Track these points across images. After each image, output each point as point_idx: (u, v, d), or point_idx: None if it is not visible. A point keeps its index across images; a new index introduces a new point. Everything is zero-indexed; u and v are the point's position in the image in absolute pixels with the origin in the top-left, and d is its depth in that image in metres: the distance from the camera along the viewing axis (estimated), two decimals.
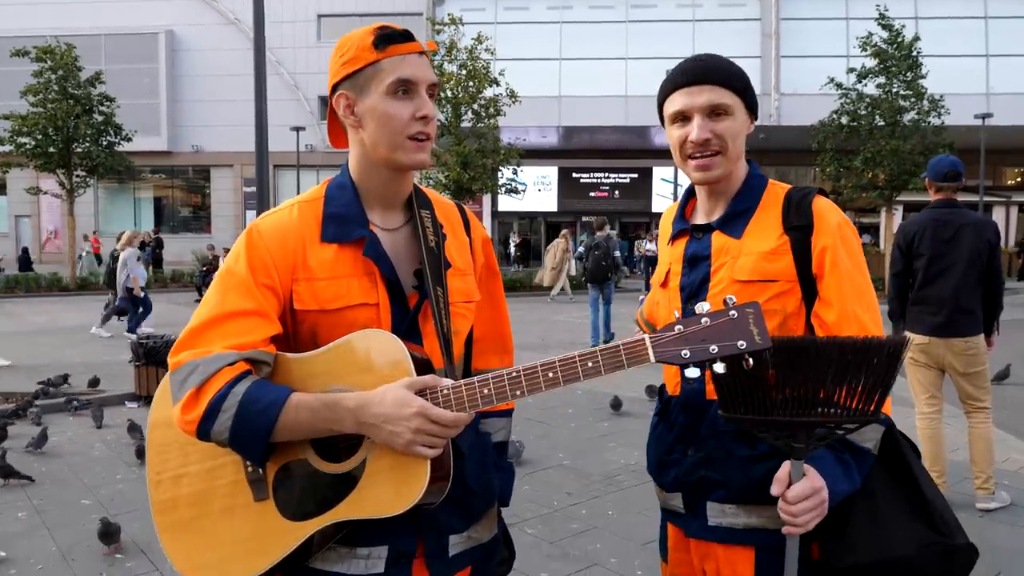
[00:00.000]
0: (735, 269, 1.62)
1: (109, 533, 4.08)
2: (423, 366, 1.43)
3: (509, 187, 24.03)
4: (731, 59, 1.67)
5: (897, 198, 22.23)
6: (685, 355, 1.35)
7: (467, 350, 1.71)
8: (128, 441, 6.27)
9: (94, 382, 8.36)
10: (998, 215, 30.61)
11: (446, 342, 1.51)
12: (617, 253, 12.54)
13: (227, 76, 31.84)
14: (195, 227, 35.85)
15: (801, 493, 1.42)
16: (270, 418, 1.34)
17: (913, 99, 21.37)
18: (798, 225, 1.60)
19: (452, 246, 1.61)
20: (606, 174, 32.72)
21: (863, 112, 21.62)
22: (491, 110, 22.32)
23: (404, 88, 1.47)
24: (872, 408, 1.41)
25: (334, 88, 1.51)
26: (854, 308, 1.56)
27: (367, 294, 1.49)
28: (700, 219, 1.75)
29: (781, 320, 1.59)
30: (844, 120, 21.87)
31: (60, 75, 21.80)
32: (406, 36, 1.49)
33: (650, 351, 1.36)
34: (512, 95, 22.15)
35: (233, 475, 1.46)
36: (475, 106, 22.30)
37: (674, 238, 1.76)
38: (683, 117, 1.64)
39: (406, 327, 1.50)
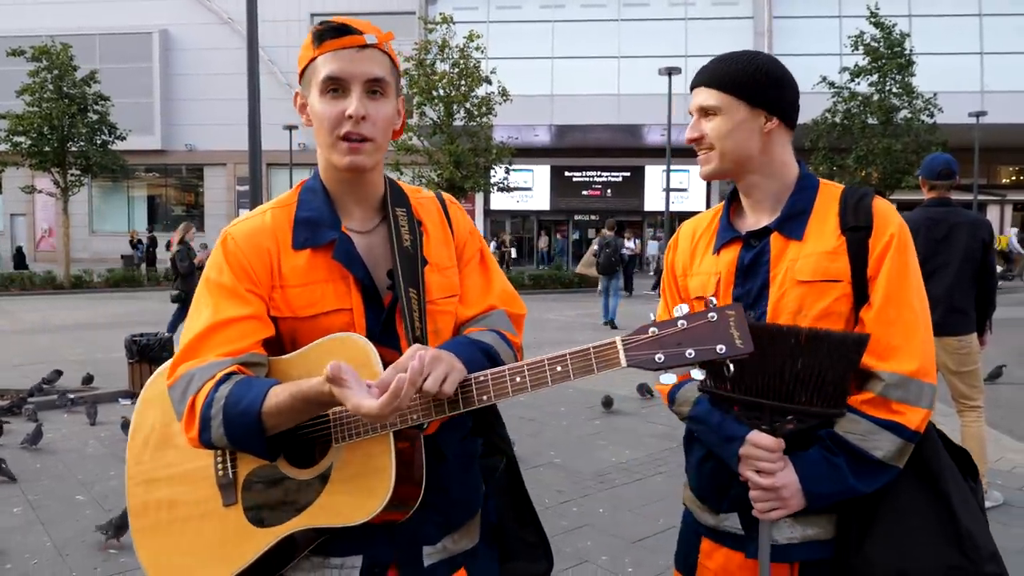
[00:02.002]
0: (796, 270, 1.58)
1: (122, 526, 4.09)
2: None
3: (502, 185, 24.03)
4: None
5: (890, 196, 22.32)
6: (659, 359, 1.26)
7: None
8: (122, 438, 6.31)
9: (88, 379, 8.39)
10: (992, 213, 30.70)
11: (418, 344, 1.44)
12: (625, 250, 13.56)
13: (220, 75, 31.78)
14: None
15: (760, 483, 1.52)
16: (253, 414, 1.30)
17: (906, 97, 21.42)
18: (856, 226, 1.59)
19: (432, 242, 1.57)
20: (598, 172, 32.74)
21: (855, 111, 21.67)
22: (483, 109, 22.34)
23: (334, 87, 1.42)
24: (833, 402, 1.46)
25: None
26: (889, 311, 1.54)
27: (341, 299, 1.45)
28: (749, 227, 1.70)
29: (843, 325, 1.58)
30: (837, 119, 21.92)
31: (56, 75, 21.84)
32: (340, 30, 1.42)
33: (621, 355, 1.28)
34: (504, 94, 22.16)
35: (204, 480, 1.45)
36: (467, 105, 22.31)
37: (721, 247, 1.71)
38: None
39: (380, 329, 1.46)
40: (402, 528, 1.46)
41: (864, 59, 21.95)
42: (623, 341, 1.29)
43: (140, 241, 30.00)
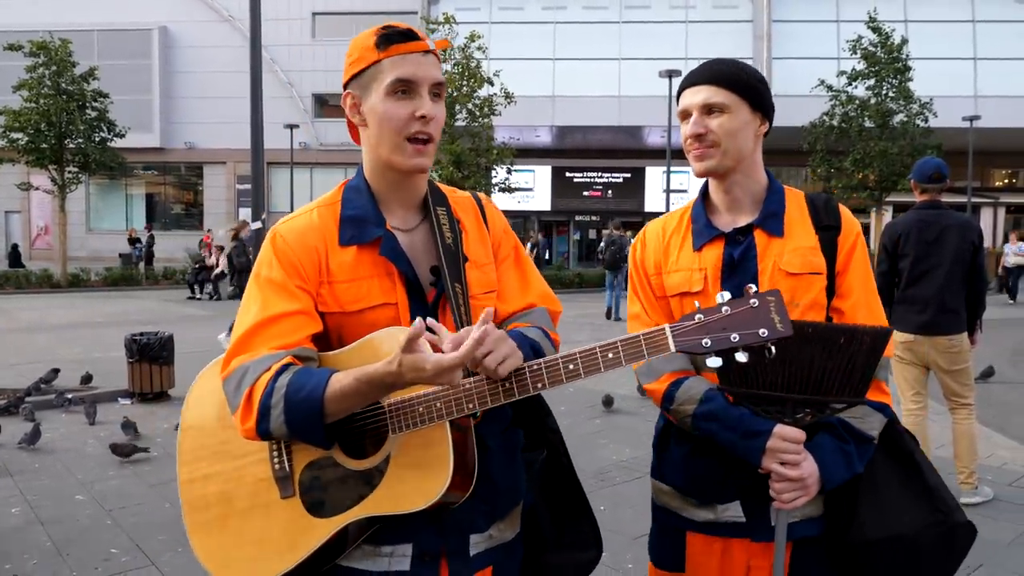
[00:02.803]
0: (784, 263, 1.71)
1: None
2: None
3: (503, 186, 24.06)
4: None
5: (886, 199, 22.44)
6: (706, 344, 1.34)
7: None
8: (122, 437, 6.29)
9: (87, 379, 8.37)
10: (986, 216, 30.86)
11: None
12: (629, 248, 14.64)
13: (221, 73, 31.74)
14: (187, 224, 35.70)
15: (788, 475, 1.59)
16: (316, 400, 1.34)
17: (902, 101, 21.56)
18: (828, 225, 1.75)
19: (470, 239, 1.62)
20: (599, 174, 32.76)
21: (853, 114, 21.80)
22: (485, 109, 22.36)
23: (403, 88, 1.46)
24: (856, 392, 1.57)
25: (345, 87, 1.54)
26: (868, 300, 1.75)
27: (387, 294, 1.50)
28: (725, 226, 1.79)
29: (823, 315, 1.72)
30: (834, 122, 22.03)
31: (54, 70, 21.77)
32: (407, 35, 1.47)
33: (670, 340, 1.35)
34: (507, 95, 22.19)
35: (261, 474, 1.49)
36: (469, 105, 22.33)
37: (703, 244, 1.78)
38: (686, 115, 1.76)
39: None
40: (451, 517, 1.50)
41: (861, 63, 22.06)
42: (672, 328, 1.36)
43: (138, 239, 29.94)
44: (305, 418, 1.35)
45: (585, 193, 32.93)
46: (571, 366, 1.37)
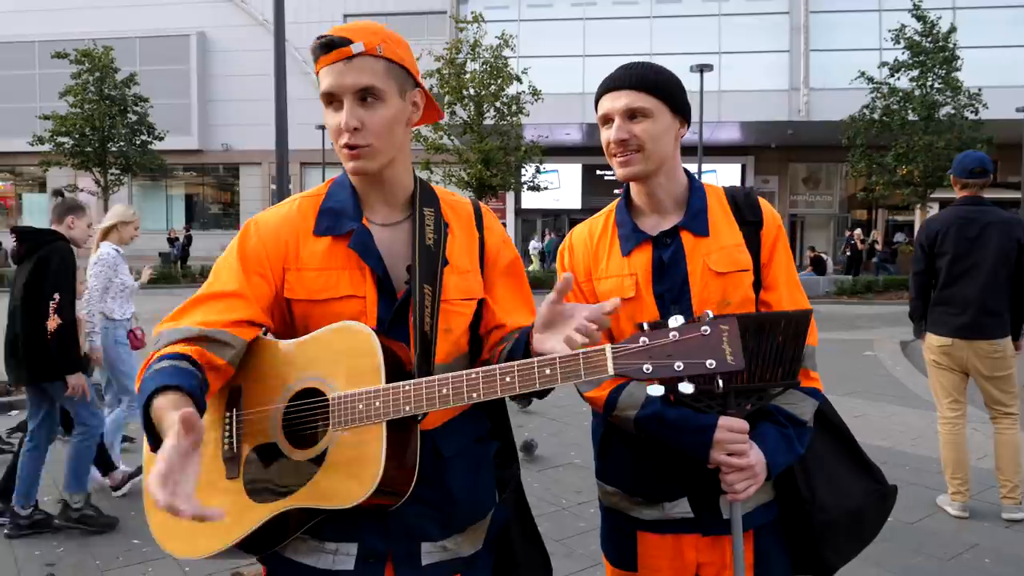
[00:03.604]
0: (712, 263, 1.72)
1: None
2: (399, 364, 1.44)
3: (531, 184, 24.01)
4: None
5: (931, 195, 21.75)
6: (647, 370, 1.25)
7: (472, 346, 1.67)
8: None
9: None
10: None
11: (422, 340, 1.49)
12: None
13: (256, 76, 32.21)
14: (225, 224, 36.36)
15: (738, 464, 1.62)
16: (143, 402, 1.30)
17: (949, 93, 20.82)
18: (751, 220, 1.78)
19: (456, 244, 1.61)
20: None
21: (895, 107, 21.15)
22: (514, 108, 22.33)
23: (329, 100, 1.49)
24: (789, 376, 1.62)
25: None
26: (792, 292, 1.78)
27: (356, 286, 1.51)
28: (650, 229, 1.79)
29: (753, 308, 1.75)
30: (875, 115, 21.42)
31: (97, 77, 22.39)
32: (329, 45, 1.46)
33: (609, 362, 1.27)
34: (535, 93, 22.12)
35: (213, 452, 1.51)
36: (497, 103, 22.32)
37: (632, 249, 1.78)
38: (607, 120, 1.76)
39: (391, 321, 1.51)
40: (396, 520, 1.48)
41: (904, 54, 21.40)
42: (613, 349, 1.28)
43: (177, 239, 30.57)
44: (143, 415, 1.31)
45: (616, 191, 32.38)
46: (507, 379, 1.32)
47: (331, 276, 1.51)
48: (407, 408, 1.36)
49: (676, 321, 1.27)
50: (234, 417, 1.51)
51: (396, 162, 1.55)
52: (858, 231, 26.42)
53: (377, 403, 1.37)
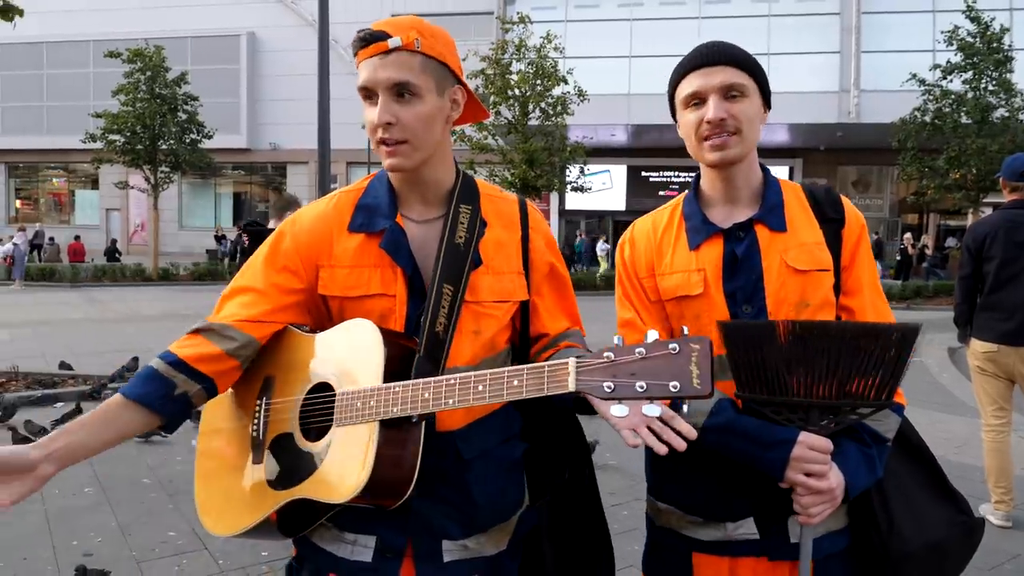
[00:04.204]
0: (791, 260, 1.58)
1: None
2: (407, 362, 1.43)
3: (575, 185, 23.95)
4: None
5: (984, 200, 21.17)
6: (608, 388, 1.18)
7: (523, 350, 1.65)
8: (191, 425, 6.51)
9: None
10: None
11: (430, 340, 1.46)
12: None
13: (304, 76, 32.55)
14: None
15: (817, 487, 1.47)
16: (123, 391, 1.48)
17: (1003, 95, 20.30)
18: (832, 218, 1.63)
19: (492, 243, 1.57)
20: (675, 173, 32.23)
21: (947, 109, 20.66)
22: (559, 108, 22.29)
23: (366, 95, 1.48)
24: (886, 393, 1.45)
25: None
26: (875, 298, 1.63)
27: (387, 285, 1.50)
28: (721, 221, 1.65)
29: (833, 313, 1.61)
30: (927, 118, 20.95)
31: (148, 76, 22.86)
32: (368, 39, 1.46)
33: (570, 377, 1.21)
34: (580, 93, 22.05)
35: (243, 437, 1.59)
36: (543, 104, 22.29)
37: (700, 243, 1.64)
38: (697, 100, 1.61)
39: (417, 320, 1.49)
40: (416, 517, 1.48)
41: (957, 56, 20.90)
42: (576, 363, 1.21)
43: (224, 236, 31.13)
44: None
45: (660, 193, 32.43)
46: (480, 387, 1.29)
47: (363, 273, 1.52)
48: (395, 409, 1.35)
49: (651, 337, 1.19)
50: (263, 405, 1.56)
51: (434, 159, 1.53)
52: (908, 235, 25.86)
53: (372, 402, 1.38)
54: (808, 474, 1.46)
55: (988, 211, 22.28)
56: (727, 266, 1.61)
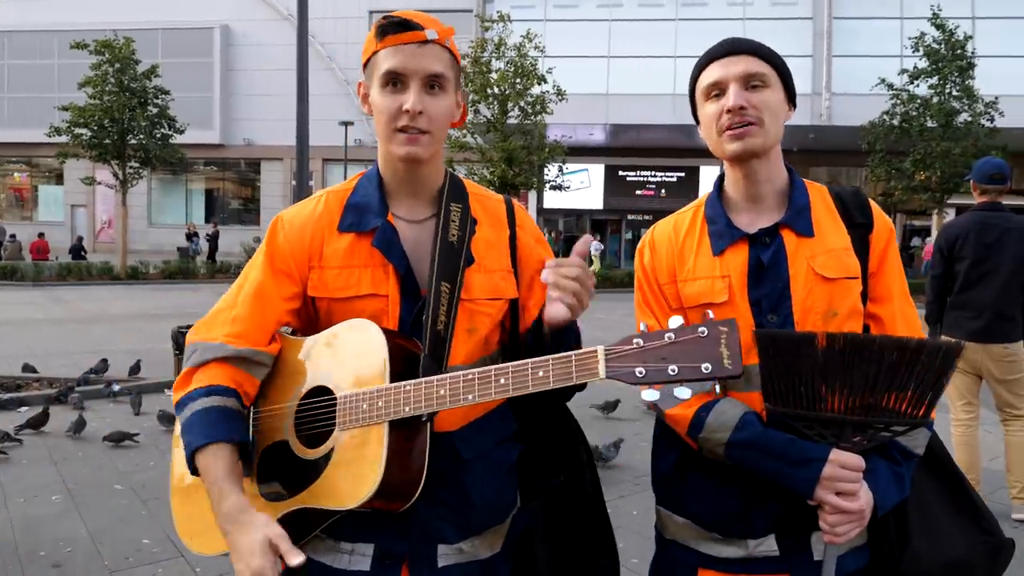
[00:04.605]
0: (818, 266, 1.53)
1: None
2: (411, 362, 1.41)
3: (554, 184, 24.02)
4: (783, 58, 1.61)
5: (948, 201, 21.69)
6: (640, 373, 1.21)
7: (512, 347, 1.63)
8: (163, 429, 6.40)
9: (135, 369, 8.55)
10: None
11: (433, 339, 1.46)
12: None
13: (279, 71, 32.36)
14: (246, 219, 36.54)
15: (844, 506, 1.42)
16: (192, 446, 1.39)
17: (966, 100, 20.85)
18: (860, 222, 1.58)
19: (483, 241, 1.56)
20: (653, 172, 32.42)
21: (914, 113, 21.17)
22: (538, 107, 22.32)
23: (394, 80, 1.45)
24: (923, 412, 1.40)
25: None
26: (904, 307, 1.58)
27: (378, 285, 1.48)
28: (746, 226, 1.59)
29: (861, 322, 1.56)
30: (895, 121, 21.43)
31: (117, 68, 22.39)
32: (403, 25, 1.45)
33: (600, 365, 1.23)
34: (559, 92, 22.10)
35: None
36: (522, 103, 22.30)
37: (725, 248, 1.59)
38: (718, 90, 1.56)
39: (413, 320, 1.48)
40: (415, 522, 1.46)
41: (924, 61, 21.40)
42: (606, 351, 1.24)
43: (195, 234, 30.70)
44: (186, 444, 1.41)
45: (638, 192, 32.63)
46: (502, 380, 1.29)
47: (353, 274, 1.49)
48: (407, 409, 1.34)
49: (676, 322, 1.22)
50: (251, 414, 1.52)
51: (436, 156, 1.54)
52: None
53: (380, 403, 1.35)
54: (838, 493, 1.41)
55: (951, 212, 22.80)
56: (752, 273, 1.55)
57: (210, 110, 34.46)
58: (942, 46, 21.04)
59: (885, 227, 1.59)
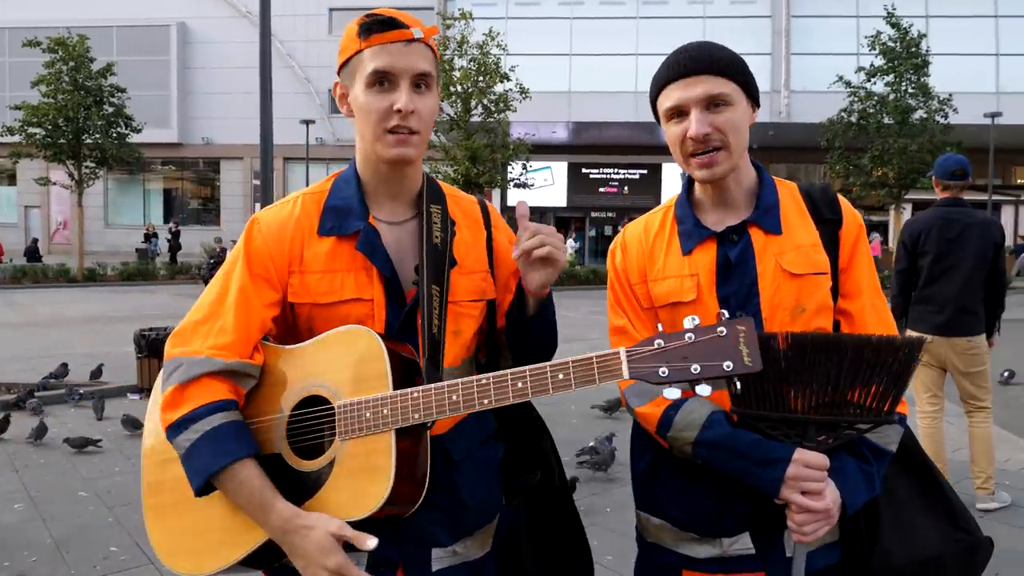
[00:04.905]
0: (786, 264, 1.53)
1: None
2: (407, 367, 1.39)
3: (519, 182, 24.05)
4: (742, 56, 1.58)
5: (905, 196, 22.18)
6: (663, 373, 1.24)
7: (490, 349, 1.63)
8: (127, 433, 6.27)
9: (96, 373, 8.37)
10: (1007, 214, 30.49)
11: (432, 344, 1.44)
12: None
13: (238, 69, 31.91)
14: (205, 219, 35.95)
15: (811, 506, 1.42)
16: (215, 466, 1.33)
17: (921, 98, 21.32)
18: (829, 218, 1.59)
19: (463, 243, 1.55)
20: (615, 170, 32.65)
21: (872, 110, 21.59)
22: (501, 105, 22.32)
23: (381, 79, 1.42)
24: (887, 408, 1.40)
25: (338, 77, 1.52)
26: (875, 301, 1.59)
27: (362, 289, 1.45)
28: (714, 225, 1.60)
29: (831, 318, 1.56)
30: (853, 118, 21.83)
31: (72, 66, 21.88)
32: (389, 24, 1.42)
33: (624, 366, 1.25)
34: (523, 91, 22.13)
35: None
36: (485, 101, 22.29)
37: (693, 247, 1.59)
38: (679, 112, 1.53)
39: (400, 324, 1.46)
40: (408, 527, 1.44)
41: (880, 59, 21.83)
42: (627, 352, 1.26)
43: (155, 234, 30.12)
44: (200, 465, 1.34)
45: (601, 189, 32.84)
46: (519, 384, 1.29)
47: (335, 278, 1.45)
48: (415, 416, 1.32)
49: (693, 322, 1.25)
50: None
51: (420, 156, 1.52)
52: None
53: (385, 411, 1.33)
54: (804, 492, 1.41)
55: (908, 207, 23.32)
56: (720, 271, 1.56)
57: (167, 109, 33.83)
58: (897, 44, 21.48)
59: (855, 223, 1.60)
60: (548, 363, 1.29)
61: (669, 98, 1.54)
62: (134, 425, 6.25)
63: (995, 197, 25.36)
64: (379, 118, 1.42)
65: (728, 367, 1.22)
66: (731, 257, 1.55)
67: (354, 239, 1.46)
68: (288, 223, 1.49)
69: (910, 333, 4.71)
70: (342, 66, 1.49)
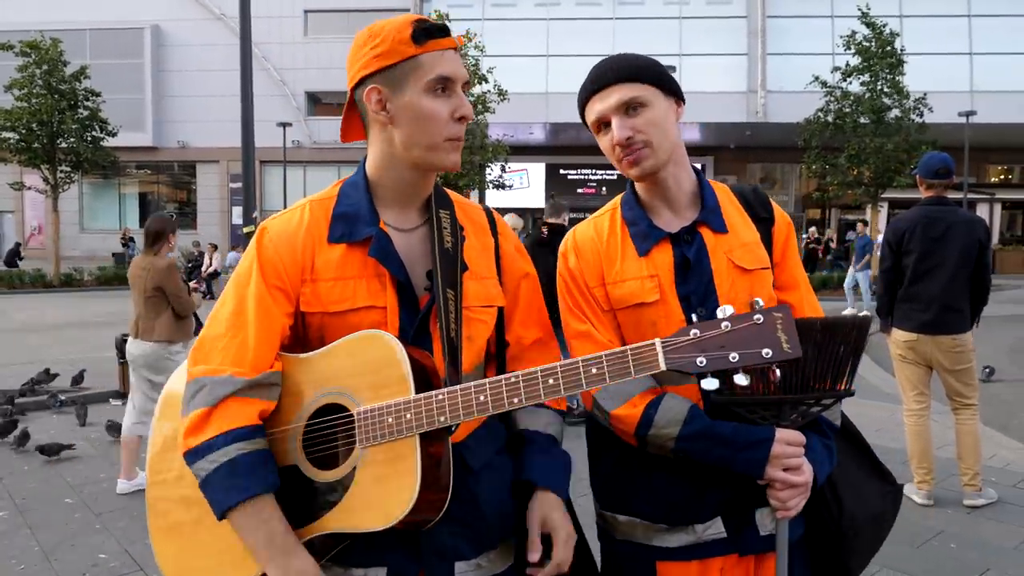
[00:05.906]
0: (737, 259, 1.61)
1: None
2: (425, 373, 1.36)
3: (498, 183, 24.05)
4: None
5: (882, 195, 22.39)
6: (701, 363, 1.22)
7: (500, 358, 1.63)
8: (110, 440, 6.23)
9: (78, 379, 8.28)
10: (982, 212, 30.87)
11: (451, 348, 1.42)
12: None
13: (213, 71, 31.59)
14: (181, 223, 35.52)
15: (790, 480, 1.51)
16: (233, 499, 1.30)
17: (896, 97, 21.54)
18: (764, 217, 1.69)
19: (472, 249, 1.55)
20: (593, 170, 32.72)
21: (848, 110, 21.79)
22: (479, 107, 22.30)
23: (443, 86, 1.42)
24: (844, 384, 1.49)
25: (363, 80, 1.43)
26: (808, 295, 1.71)
27: (375, 296, 1.43)
28: (666, 226, 1.66)
29: None
30: (829, 118, 22.02)
31: (45, 70, 21.58)
32: (444, 31, 1.43)
33: (660, 357, 1.24)
34: (501, 92, 22.13)
35: None
36: None
37: (650, 249, 1.63)
38: (604, 123, 1.62)
39: (415, 331, 1.44)
40: (428, 540, 1.41)
41: (856, 59, 22.06)
42: (663, 343, 1.25)
43: (132, 239, 29.76)
44: (218, 494, 1.31)
45: (579, 190, 32.87)
46: (551, 380, 1.27)
47: (347, 286, 1.43)
48: (442, 419, 1.29)
49: (724, 312, 1.25)
50: None
51: None
52: (812, 229, 27.10)
53: (408, 415, 1.30)
54: (786, 469, 1.50)
55: (885, 206, 23.57)
56: (679, 270, 1.61)
57: (142, 112, 33.39)
58: (872, 43, 21.71)
59: (784, 221, 1.72)
60: (580, 358, 1.27)
61: (592, 112, 1.64)
62: (118, 431, 6.19)
63: (970, 195, 25.71)
64: (441, 125, 1.42)
65: (767, 354, 1.21)
66: (689, 256, 1.61)
67: (365, 246, 1.44)
68: (298, 232, 1.46)
69: (896, 331, 4.78)
70: (382, 70, 1.41)
